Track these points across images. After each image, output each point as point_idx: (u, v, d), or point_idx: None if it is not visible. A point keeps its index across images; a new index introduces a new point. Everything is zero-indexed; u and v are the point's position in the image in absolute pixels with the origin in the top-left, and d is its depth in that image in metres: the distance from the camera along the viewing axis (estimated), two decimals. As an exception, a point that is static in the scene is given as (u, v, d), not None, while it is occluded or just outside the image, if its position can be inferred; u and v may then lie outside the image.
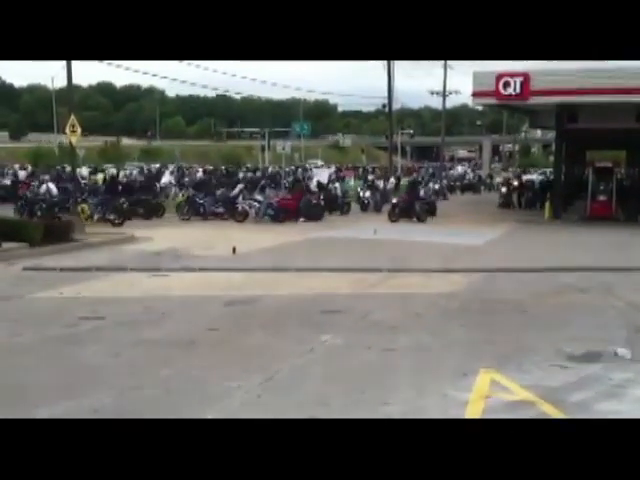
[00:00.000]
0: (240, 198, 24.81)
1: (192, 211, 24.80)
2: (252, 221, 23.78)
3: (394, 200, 26.57)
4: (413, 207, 25.65)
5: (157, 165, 57.14)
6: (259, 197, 24.91)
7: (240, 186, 26.92)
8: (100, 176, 36.08)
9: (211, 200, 24.98)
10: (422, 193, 29.37)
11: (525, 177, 44.33)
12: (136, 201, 24.77)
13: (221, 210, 24.64)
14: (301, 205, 24.83)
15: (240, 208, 24.18)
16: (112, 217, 21.97)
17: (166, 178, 36.49)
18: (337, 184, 32.08)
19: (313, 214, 24.80)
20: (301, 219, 24.38)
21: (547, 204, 27.74)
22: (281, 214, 23.75)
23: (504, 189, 36.96)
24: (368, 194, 30.95)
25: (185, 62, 40.33)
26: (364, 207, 30.39)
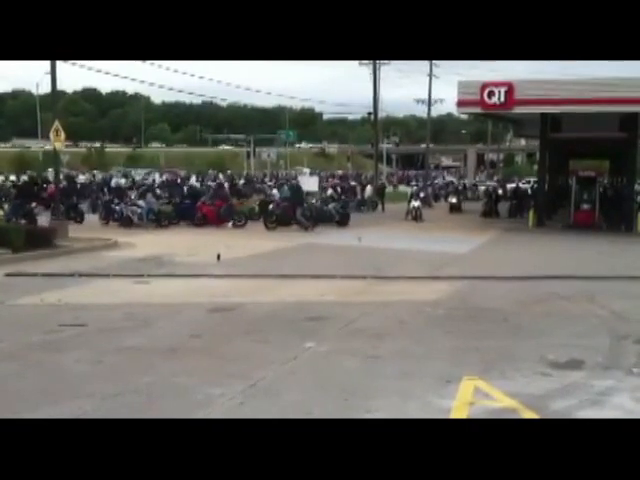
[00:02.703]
0: (122, 204, 25.30)
1: (109, 216, 25.45)
2: (137, 225, 24.20)
3: (270, 206, 25.73)
4: (293, 214, 24.26)
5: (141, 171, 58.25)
6: (141, 202, 25.38)
7: (137, 191, 27.72)
8: (123, 181, 40.08)
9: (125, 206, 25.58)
10: (314, 200, 27.23)
11: (509, 186, 44.62)
12: (70, 206, 25.87)
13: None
14: (222, 211, 24.99)
15: (123, 214, 24.70)
16: (23, 222, 21.20)
17: (192, 182, 41.07)
18: (274, 190, 31.52)
19: (237, 221, 24.95)
20: (229, 224, 24.62)
21: (531, 212, 27.92)
22: (163, 219, 24.36)
23: (452, 200, 36.49)
24: (316, 202, 28.51)
25: (170, 68, 40.45)
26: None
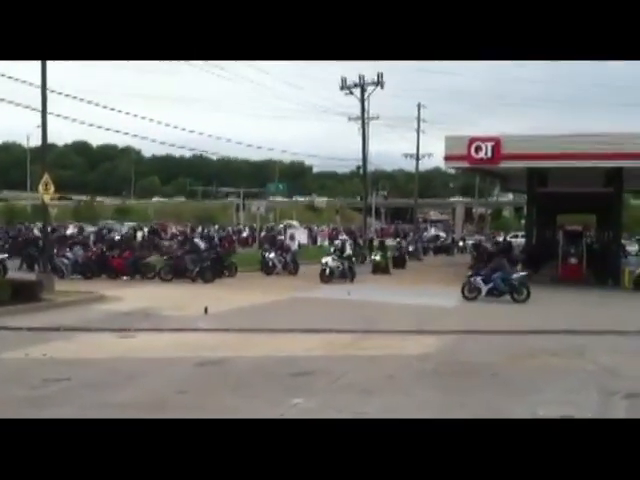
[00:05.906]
0: (54, 256, 25.19)
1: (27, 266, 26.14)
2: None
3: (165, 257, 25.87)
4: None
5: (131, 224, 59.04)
6: (68, 254, 25.45)
7: (68, 243, 28.13)
8: (139, 234, 41.94)
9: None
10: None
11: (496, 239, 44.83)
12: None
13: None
14: (129, 263, 24.91)
15: (56, 265, 24.68)
16: None
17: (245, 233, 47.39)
18: (197, 239, 31.44)
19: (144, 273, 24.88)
20: (124, 277, 24.41)
21: (518, 267, 27.97)
22: (87, 271, 24.48)
23: (375, 257, 30.48)
24: (273, 255, 28.19)
25: (162, 122, 40.80)
26: (268, 269, 27.57)
